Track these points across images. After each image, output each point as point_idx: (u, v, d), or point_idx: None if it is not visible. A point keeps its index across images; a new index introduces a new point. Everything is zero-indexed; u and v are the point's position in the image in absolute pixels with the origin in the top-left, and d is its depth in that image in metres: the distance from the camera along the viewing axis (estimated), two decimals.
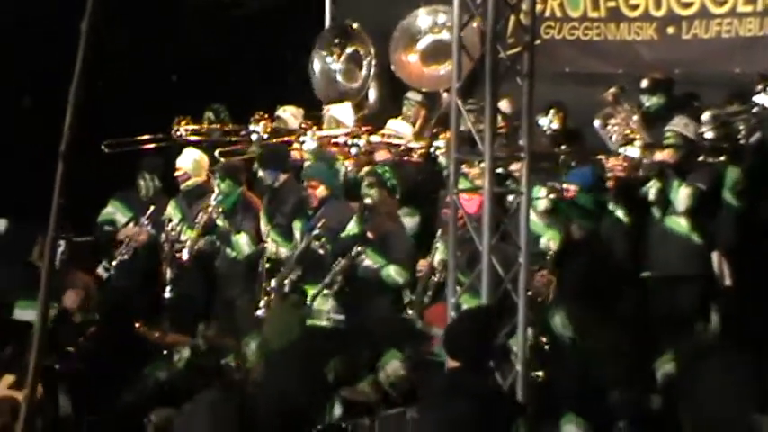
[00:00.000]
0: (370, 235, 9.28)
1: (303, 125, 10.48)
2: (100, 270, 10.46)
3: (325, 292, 9.24)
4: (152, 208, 10.63)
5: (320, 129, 10.55)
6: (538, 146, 9.29)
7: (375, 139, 10.12)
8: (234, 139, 10.91)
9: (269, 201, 10.14)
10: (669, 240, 8.59)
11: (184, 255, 10.13)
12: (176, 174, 10.58)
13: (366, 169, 9.93)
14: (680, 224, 8.57)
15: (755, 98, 8.78)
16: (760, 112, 8.71)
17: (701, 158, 8.73)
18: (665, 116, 9.43)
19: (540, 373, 7.89)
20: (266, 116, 10.64)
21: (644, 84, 9.66)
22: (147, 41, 12.23)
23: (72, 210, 9.37)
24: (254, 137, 10.56)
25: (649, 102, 9.64)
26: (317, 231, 9.45)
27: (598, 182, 8.86)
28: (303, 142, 10.29)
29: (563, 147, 9.40)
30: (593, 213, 8.69)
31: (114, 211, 10.93)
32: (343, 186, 10.01)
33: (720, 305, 8.48)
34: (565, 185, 8.82)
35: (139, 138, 10.91)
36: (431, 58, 10.68)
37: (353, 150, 10.01)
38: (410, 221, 9.72)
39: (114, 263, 10.48)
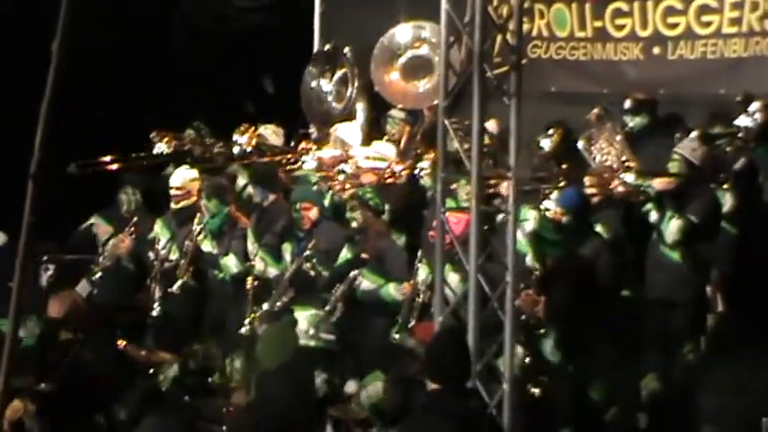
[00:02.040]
0: (364, 256, 9.28)
1: (305, 146, 10.48)
2: (79, 288, 10.44)
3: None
4: (135, 219, 10.64)
5: (320, 149, 10.54)
6: (528, 166, 9.34)
7: (362, 162, 10.13)
8: (216, 150, 10.89)
9: (257, 220, 10.14)
10: (663, 265, 8.58)
11: (176, 287, 10.11)
12: (176, 192, 10.50)
13: (348, 193, 9.94)
14: (672, 251, 8.56)
15: (737, 121, 8.79)
16: (744, 135, 8.72)
17: (703, 185, 8.68)
18: (648, 136, 9.47)
19: (537, 390, 7.89)
20: (252, 128, 10.65)
21: (627, 104, 9.69)
22: (138, 57, 12.26)
23: (55, 229, 9.33)
24: (236, 149, 10.56)
25: (633, 122, 9.65)
26: (308, 253, 9.45)
27: (585, 203, 8.87)
28: (304, 162, 10.28)
29: (563, 166, 9.39)
30: (579, 235, 8.68)
31: (95, 225, 10.95)
32: (331, 209, 10.01)
33: (712, 329, 8.49)
34: (552, 207, 8.83)
35: (114, 157, 10.87)
36: (411, 73, 10.70)
37: (341, 175, 10.01)
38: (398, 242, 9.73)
39: (98, 269, 10.46)
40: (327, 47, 11.54)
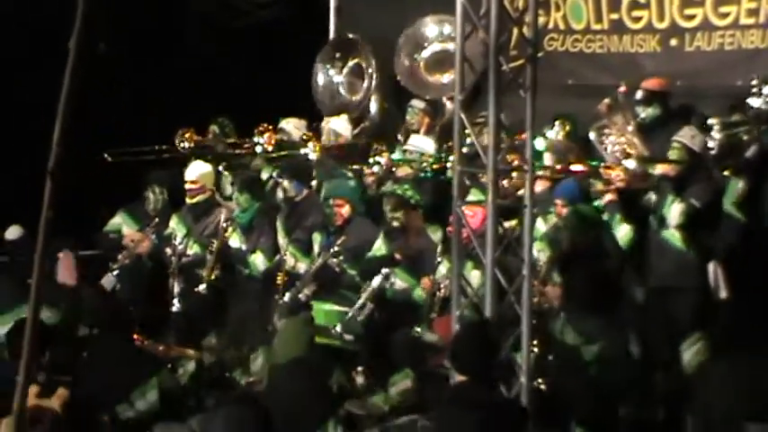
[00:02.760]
0: (398, 256, 9.26)
1: (304, 136, 10.49)
2: (104, 281, 10.48)
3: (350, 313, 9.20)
4: (156, 219, 10.66)
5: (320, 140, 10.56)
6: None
7: (397, 156, 10.12)
8: (238, 151, 10.94)
9: (288, 214, 10.13)
10: (665, 252, 8.59)
11: (202, 288, 10.08)
12: (191, 186, 10.50)
13: (387, 190, 9.87)
14: (675, 236, 8.58)
15: (749, 100, 8.76)
16: (755, 116, 8.68)
17: (704, 171, 8.71)
18: (661, 127, 9.46)
19: (541, 380, 7.88)
20: (270, 128, 10.64)
21: (639, 95, 9.62)
22: (151, 52, 12.27)
23: (77, 224, 9.33)
24: (258, 149, 10.57)
25: (645, 113, 9.60)
26: (336, 249, 9.43)
27: (584, 195, 8.88)
28: (306, 153, 10.30)
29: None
30: (585, 223, 8.69)
31: (121, 223, 10.98)
32: (364, 205, 9.99)
33: (717, 316, 8.50)
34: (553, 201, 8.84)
35: (143, 149, 10.93)
36: (435, 66, 10.70)
37: (375, 168, 9.98)
38: (434, 237, 9.68)
39: (116, 266, 10.48)
40: (334, 38, 11.52)
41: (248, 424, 5.35)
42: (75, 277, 9.64)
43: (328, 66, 11.17)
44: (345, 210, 9.65)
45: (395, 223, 9.40)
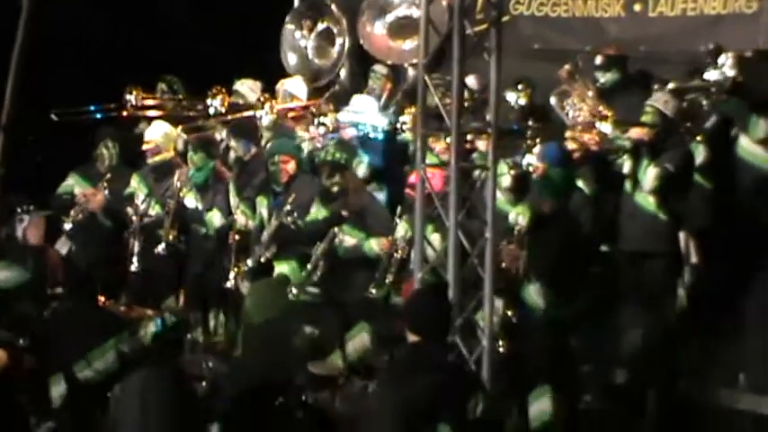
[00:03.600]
0: (344, 213, 9.26)
1: (261, 98, 10.43)
2: (58, 245, 10.40)
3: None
4: (108, 175, 10.58)
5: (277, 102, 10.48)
6: (506, 121, 9.35)
7: (342, 116, 10.10)
8: (192, 113, 10.81)
9: (238, 173, 10.09)
10: (638, 216, 8.61)
11: (161, 248, 10.03)
12: (145, 147, 10.50)
13: (318, 160, 9.87)
14: (648, 201, 8.60)
15: (707, 75, 8.81)
16: (717, 90, 8.74)
17: (677, 136, 8.73)
18: (620, 92, 9.50)
19: (501, 343, 7.91)
20: (223, 90, 10.55)
21: (598, 60, 9.75)
22: (104, 10, 12.16)
23: (31, 184, 9.22)
24: (211, 111, 10.49)
25: (604, 78, 9.70)
26: (288, 207, 9.42)
27: (566, 157, 8.89)
28: (261, 117, 10.24)
29: (530, 122, 9.43)
30: (562, 189, 8.71)
31: (73, 184, 10.90)
32: (308, 162, 10.00)
33: (687, 282, 8.57)
34: (533, 162, 8.83)
35: (92, 108, 10.80)
36: (398, 32, 10.67)
37: (321, 129, 9.97)
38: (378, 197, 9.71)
39: (69, 220, 10.40)
40: (302, 1, 11.43)
41: (159, 385, 5.35)
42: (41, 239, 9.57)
43: (296, 29, 11.10)
44: (291, 166, 9.64)
45: (335, 189, 9.37)
